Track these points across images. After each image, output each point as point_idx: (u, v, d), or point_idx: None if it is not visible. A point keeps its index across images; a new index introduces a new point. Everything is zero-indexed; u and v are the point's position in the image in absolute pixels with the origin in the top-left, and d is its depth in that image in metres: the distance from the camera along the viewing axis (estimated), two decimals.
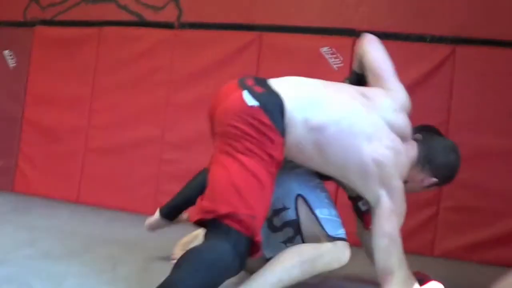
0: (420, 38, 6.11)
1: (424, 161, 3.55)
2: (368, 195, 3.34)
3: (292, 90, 3.27)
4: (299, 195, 3.41)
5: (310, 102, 3.24)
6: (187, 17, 6.98)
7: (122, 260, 4.15)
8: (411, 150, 3.52)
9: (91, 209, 6.74)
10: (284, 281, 3.17)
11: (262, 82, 3.29)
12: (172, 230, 4.57)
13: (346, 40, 6.26)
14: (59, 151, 7.30)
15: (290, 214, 3.41)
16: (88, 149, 7.19)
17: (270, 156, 3.07)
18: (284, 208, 3.41)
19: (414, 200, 5.16)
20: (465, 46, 5.97)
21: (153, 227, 4.53)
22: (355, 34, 6.12)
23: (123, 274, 3.73)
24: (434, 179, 3.63)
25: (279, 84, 3.28)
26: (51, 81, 7.41)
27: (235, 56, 6.64)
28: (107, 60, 7.19)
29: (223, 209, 2.90)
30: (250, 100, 3.11)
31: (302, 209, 3.39)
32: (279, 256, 3.24)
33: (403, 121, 3.50)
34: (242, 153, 3.03)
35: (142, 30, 7.12)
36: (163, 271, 3.46)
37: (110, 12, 7.31)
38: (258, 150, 3.04)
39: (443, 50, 6.03)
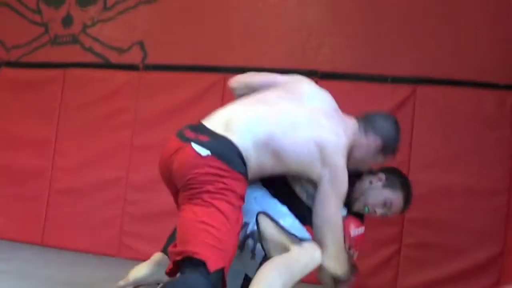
0: (381, 79, 6.16)
1: (366, 125, 3.77)
2: (313, 176, 3.44)
3: (230, 123, 3.34)
4: (260, 212, 3.44)
5: (250, 124, 3.34)
6: (152, 59, 6.98)
7: None
8: (350, 121, 3.77)
9: (55, 251, 6.63)
10: None
11: (201, 129, 3.34)
12: None
13: None
14: (24, 193, 7.17)
15: (250, 228, 3.45)
16: (53, 190, 7.08)
17: (234, 192, 3.14)
18: (245, 224, 3.41)
19: (377, 238, 5.21)
20: (425, 85, 6.03)
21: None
22: (317, 75, 6.18)
23: None
24: (379, 140, 3.75)
25: (215, 124, 3.36)
26: (16, 122, 7.33)
27: (199, 97, 6.61)
28: (71, 102, 7.13)
29: (192, 247, 2.95)
30: (202, 151, 3.16)
31: (265, 222, 3.40)
32: (257, 276, 3.19)
33: (327, 96, 3.86)
34: (207, 197, 3.08)
35: (107, 72, 7.09)
36: None
37: (75, 54, 7.29)
38: (222, 191, 3.10)
39: (404, 90, 6.07)
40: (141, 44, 7.05)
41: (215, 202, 3.08)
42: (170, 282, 3.00)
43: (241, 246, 3.46)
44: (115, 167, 6.86)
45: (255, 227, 3.42)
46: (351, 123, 3.75)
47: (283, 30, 6.64)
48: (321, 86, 6.10)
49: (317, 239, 3.44)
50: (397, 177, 4.04)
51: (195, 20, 6.94)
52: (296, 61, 6.44)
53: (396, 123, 3.91)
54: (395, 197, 3.94)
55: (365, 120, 3.82)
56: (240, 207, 3.20)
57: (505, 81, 5.83)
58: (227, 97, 6.38)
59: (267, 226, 3.39)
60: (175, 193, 3.36)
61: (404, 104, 6.05)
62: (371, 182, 3.93)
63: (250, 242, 3.46)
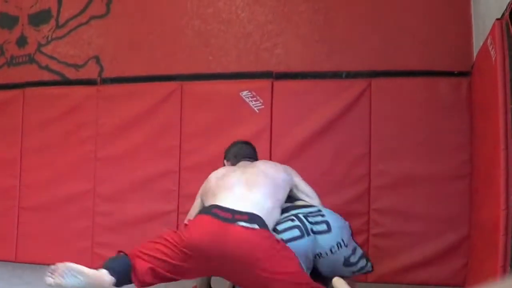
0: (336, 75, 6.09)
1: None
2: None
3: (254, 200, 4.05)
4: None
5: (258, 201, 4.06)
6: (109, 73, 6.83)
7: None
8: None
9: (30, 267, 6.48)
10: None
11: (230, 210, 3.91)
12: None
13: (264, 83, 6.20)
14: None
15: None
16: (22, 207, 6.88)
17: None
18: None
19: None
20: (380, 78, 5.94)
21: None
22: (272, 76, 6.18)
23: None
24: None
25: (237, 205, 3.97)
26: None
27: (158, 106, 6.48)
28: (33, 120, 6.93)
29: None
30: (252, 226, 3.80)
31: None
32: None
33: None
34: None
35: (65, 89, 6.89)
36: None
37: (33, 73, 7.11)
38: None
39: (359, 84, 5.98)
40: (96, 59, 6.91)
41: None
42: None
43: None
44: (81, 180, 6.68)
45: None
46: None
47: (236, 34, 6.55)
48: (277, 87, 6.13)
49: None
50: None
51: (148, 31, 6.83)
52: (251, 64, 6.40)
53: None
54: None
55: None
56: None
57: (459, 69, 5.74)
58: (185, 104, 6.31)
59: None
60: (206, 264, 3.87)
61: (360, 98, 5.94)
62: None
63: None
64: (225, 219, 3.81)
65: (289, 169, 4.63)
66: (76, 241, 6.63)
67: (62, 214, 6.72)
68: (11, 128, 7.02)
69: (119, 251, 4.01)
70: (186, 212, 6.16)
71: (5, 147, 7.02)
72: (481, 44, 4.80)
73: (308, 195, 4.56)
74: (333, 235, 4.10)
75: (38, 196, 6.84)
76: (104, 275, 3.80)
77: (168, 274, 3.94)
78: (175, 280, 4.06)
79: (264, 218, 3.89)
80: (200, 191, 4.61)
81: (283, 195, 4.29)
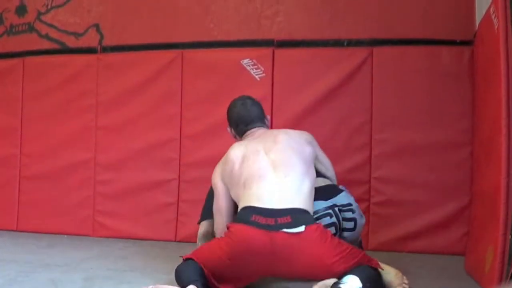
0: (338, 43, 6.05)
1: None
2: None
3: (292, 188, 3.79)
4: None
5: (294, 189, 3.79)
6: (109, 41, 6.74)
7: (62, 283, 3.97)
8: None
9: (31, 235, 6.45)
10: None
11: (271, 212, 3.60)
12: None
13: (266, 51, 6.17)
14: None
15: None
16: (23, 177, 6.88)
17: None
18: None
19: None
20: (381, 47, 5.91)
21: None
22: (273, 44, 6.15)
23: None
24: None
25: (275, 203, 3.66)
26: None
27: (158, 75, 6.45)
28: (33, 89, 6.89)
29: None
30: (297, 229, 3.51)
31: None
32: None
33: None
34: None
35: (65, 57, 6.84)
36: None
37: (32, 42, 7.02)
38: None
39: (360, 53, 5.95)
40: (96, 27, 6.82)
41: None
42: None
43: None
44: (82, 149, 6.67)
45: None
46: None
47: (237, 1, 6.47)
48: (279, 55, 6.09)
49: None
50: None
51: None
52: (252, 32, 6.34)
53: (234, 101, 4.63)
54: None
55: None
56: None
57: (461, 37, 5.70)
58: (186, 72, 6.28)
59: None
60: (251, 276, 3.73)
61: (362, 67, 5.92)
62: None
63: None
64: (268, 227, 3.54)
65: (310, 137, 4.33)
66: (77, 210, 6.64)
67: (63, 183, 6.71)
68: (11, 97, 6.98)
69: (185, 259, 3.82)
70: (187, 181, 6.18)
71: (5, 116, 6.99)
72: (483, 12, 4.75)
73: (326, 167, 4.47)
74: (355, 234, 4.18)
75: (39, 165, 6.83)
76: None
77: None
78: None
79: (306, 207, 3.70)
80: (219, 175, 4.15)
81: (313, 172, 4.05)
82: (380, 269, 3.67)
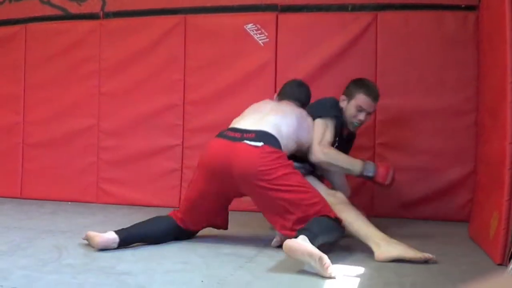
0: (342, 8, 6.02)
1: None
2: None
3: (260, 122, 4.13)
4: None
5: (269, 122, 4.14)
6: (111, 7, 6.69)
7: (67, 249, 3.94)
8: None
9: (35, 202, 6.47)
10: None
11: (241, 130, 4.10)
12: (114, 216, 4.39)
13: (269, 16, 6.14)
14: None
15: None
16: (26, 144, 6.89)
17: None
18: None
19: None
20: (386, 11, 5.87)
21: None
22: (277, 9, 6.11)
23: (68, 262, 3.53)
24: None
25: (252, 122, 4.15)
26: None
27: (161, 40, 6.42)
28: (36, 56, 6.86)
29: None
30: (256, 144, 3.94)
31: None
32: None
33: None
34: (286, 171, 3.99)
35: (68, 23, 6.79)
36: (108, 256, 3.39)
37: (35, 8, 6.95)
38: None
39: (365, 17, 5.91)
40: None
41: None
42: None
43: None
44: (85, 116, 6.67)
45: None
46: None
47: None
48: (283, 20, 6.05)
49: None
50: (351, 85, 4.81)
51: None
52: None
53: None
54: (358, 98, 4.67)
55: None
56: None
57: (466, 2, 5.67)
58: (189, 37, 6.25)
59: None
60: (219, 184, 4.09)
61: (366, 32, 5.90)
62: (342, 107, 4.72)
63: None
64: (233, 138, 4.01)
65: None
66: (81, 177, 6.67)
67: (67, 150, 6.74)
68: (14, 65, 6.96)
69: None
70: (191, 147, 6.19)
71: (8, 84, 6.98)
72: None
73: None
74: None
75: (42, 133, 6.84)
76: None
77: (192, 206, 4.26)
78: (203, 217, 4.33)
79: (277, 136, 4.04)
80: None
81: (304, 140, 4.37)
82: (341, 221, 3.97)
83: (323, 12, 6.03)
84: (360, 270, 3.52)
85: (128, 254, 3.85)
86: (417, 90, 5.65)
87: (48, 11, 6.94)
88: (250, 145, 3.93)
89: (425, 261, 3.64)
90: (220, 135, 4.14)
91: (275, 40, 6.08)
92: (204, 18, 6.34)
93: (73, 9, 6.87)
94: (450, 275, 3.44)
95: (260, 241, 4.25)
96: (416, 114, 5.65)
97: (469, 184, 5.34)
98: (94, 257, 3.73)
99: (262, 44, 6.09)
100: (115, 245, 3.93)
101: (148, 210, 5.84)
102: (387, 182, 4.35)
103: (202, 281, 3.14)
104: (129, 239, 4.04)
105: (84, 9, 6.81)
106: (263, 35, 6.07)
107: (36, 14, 6.95)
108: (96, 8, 6.75)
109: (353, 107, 4.66)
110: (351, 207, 4.14)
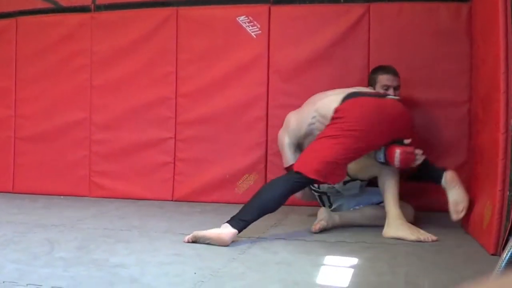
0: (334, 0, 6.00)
1: None
2: None
3: None
4: None
5: None
6: None
7: (58, 242, 3.96)
8: None
9: (27, 197, 6.45)
10: None
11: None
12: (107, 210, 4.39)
13: (261, 8, 6.11)
14: None
15: None
16: (18, 138, 6.85)
17: None
18: None
19: None
20: (378, 3, 5.84)
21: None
22: (269, 1, 6.11)
23: (60, 256, 3.55)
24: None
25: None
26: None
27: (153, 33, 6.38)
28: (27, 50, 6.83)
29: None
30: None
31: None
32: None
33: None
34: None
35: (59, 16, 6.75)
36: (100, 249, 3.37)
37: (25, 1, 6.91)
38: None
39: (357, 9, 5.88)
40: None
41: None
42: None
43: None
44: (77, 109, 6.64)
45: None
46: None
47: None
48: (275, 11, 6.04)
49: None
50: (370, 74, 5.35)
51: None
52: None
53: None
54: (380, 79, 5.12)
55: None
56: None
57: None
58: (181, 30, 6.24)
59: None
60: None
61: (358, 23, 5.86)
62: None
63: None
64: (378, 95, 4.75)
65: None
66: (73, 170, 6.65)
67: (59, 144, 6.71)
68: (5, 58, 6.93)
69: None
70: (183, 140, 6.18)
71: None
72: None
73: None
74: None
75: (34, 126, 6.81)
76: None
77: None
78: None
79: None
80: None
81: None
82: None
83: (316, 4, 6.00)
84: (354, 260, 3.53)
85: (120, 247, 3.85)
86: (410, 81, 5.59)
87: (39, 4, 6.88)
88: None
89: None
90: (357, 94, 4.68)
91: (267, 32, 6.05)
92: (196, 10, 6.32)
93: (64, 2, 6.81)
94: (444, 265, 3.46)
95: (253, 233, 4.23)
96: (409, 106, 5.61)
97: (462, 175, 5.31)
98: (86, 250, 3.75)
99: (254, 36, 6.07)
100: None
101: (141, 204, 5.84)
102: (395, 164, 4.43)
103: (195, 273, 3.15)
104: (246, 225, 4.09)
105: (75, 2, 6.76)
106: (255, 27, 6.05)
107: (27, 7, 6.90)
108: (87, 1, 6.70)
109: (380, 88, 5.06)
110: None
